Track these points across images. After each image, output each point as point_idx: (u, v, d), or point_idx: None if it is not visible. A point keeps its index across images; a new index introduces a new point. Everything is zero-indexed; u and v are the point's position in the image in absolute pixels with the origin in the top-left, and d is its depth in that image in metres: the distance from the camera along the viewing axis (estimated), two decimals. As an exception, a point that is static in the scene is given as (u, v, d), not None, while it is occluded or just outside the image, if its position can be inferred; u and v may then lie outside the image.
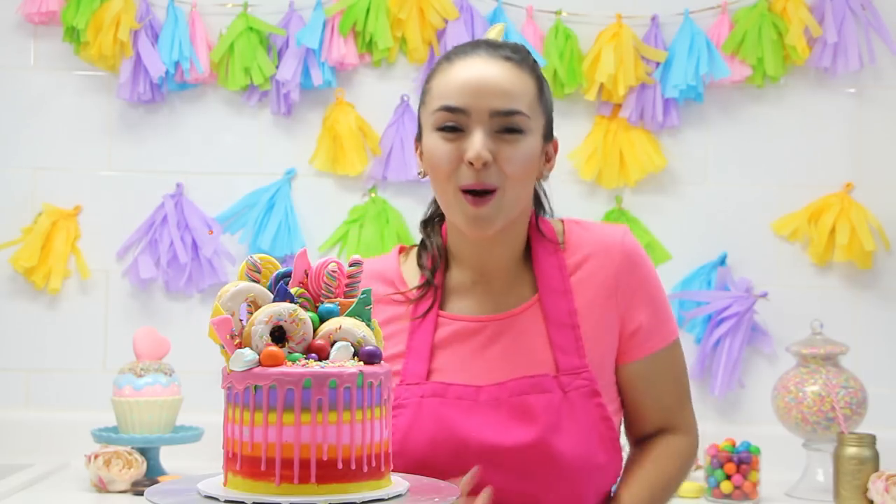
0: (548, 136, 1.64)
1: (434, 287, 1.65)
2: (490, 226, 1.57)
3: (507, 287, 1.64)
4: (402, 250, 1.73)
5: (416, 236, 2.61)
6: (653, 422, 1.70)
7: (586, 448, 1.56)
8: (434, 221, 1.71)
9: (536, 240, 1.66)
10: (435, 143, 1.57)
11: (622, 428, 1.70)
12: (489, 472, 1.52)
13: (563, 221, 1.70)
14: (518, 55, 1.60)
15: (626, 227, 1.69)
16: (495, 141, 1.55)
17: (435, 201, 1.69)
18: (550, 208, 1.71)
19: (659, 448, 1.69)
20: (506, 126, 1.55)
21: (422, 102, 1.63)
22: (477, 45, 1.61)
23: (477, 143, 1.53)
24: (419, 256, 1.69)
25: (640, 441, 1.71)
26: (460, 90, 1.55)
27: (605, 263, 1.64)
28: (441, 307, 1.64)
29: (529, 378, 1.57)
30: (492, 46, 1.60)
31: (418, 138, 1.64)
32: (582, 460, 1.55)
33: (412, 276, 1.68)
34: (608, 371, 1.63)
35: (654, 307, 1.66)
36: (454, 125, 1.55)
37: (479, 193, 1.55)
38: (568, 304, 1.61)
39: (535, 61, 1.62)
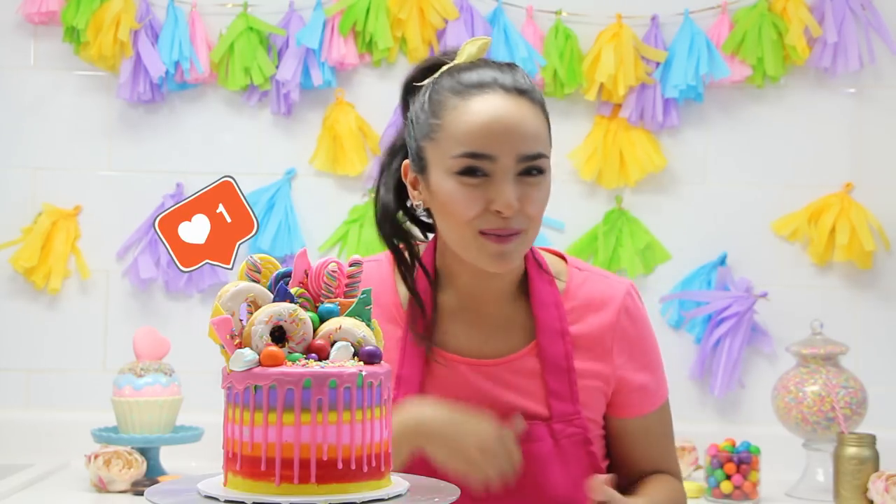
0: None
1: (425, 315, 1.58)
2: (512, 262, 1.53)
3: (502, 323, 1.61)
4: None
5: (416, 236, 2.62)
6: (645, 471, 1.68)
7: (573, 495, 1.55)
8: (398, 226, 1.62)
9: (533, 271, 1.62)
10: (454, 188, 1.49)
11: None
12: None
13: (565, 261, 1.66)
14: (527, 83, 1.53)
15: (630, 284, 1.66)
16: (520, 185, 1.49)
17: (377, 196, 1.60)
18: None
19: (656, 478, 1.67)
20: (530, 169, 1.50)
21: (427, 136, 1.53)
22: (484, 73, 1.52)
23: (509, 193, 1.47)
24: (403, 276, 1.60)
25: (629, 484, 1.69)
26: (485, 135, 1.47)
27: (604, 318, 1.61)
28: (433, 338, 1.59)
29: None
30: (503, 78, 1.52)
31: (418, 170, 1.56)
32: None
33: (405, 289, 1.62)
34: (597, 418, 1.62)
35: (650, 370, 1.65)
36: (477, 169, 1.48)
37: (503, 236, 1.50)
38: (566, 347, 1.59)
39: (534, 84, 1.55)
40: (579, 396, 1.58)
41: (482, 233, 1.49)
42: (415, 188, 1.57)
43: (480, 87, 1.51)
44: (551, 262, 1.66)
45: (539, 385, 1.58)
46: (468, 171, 1.48)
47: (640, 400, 1.65)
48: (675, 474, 1.71)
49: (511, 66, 1.55)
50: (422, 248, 1.65)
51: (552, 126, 1.59)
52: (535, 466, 1.54)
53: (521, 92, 1.51)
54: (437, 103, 1.53)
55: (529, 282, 1.62)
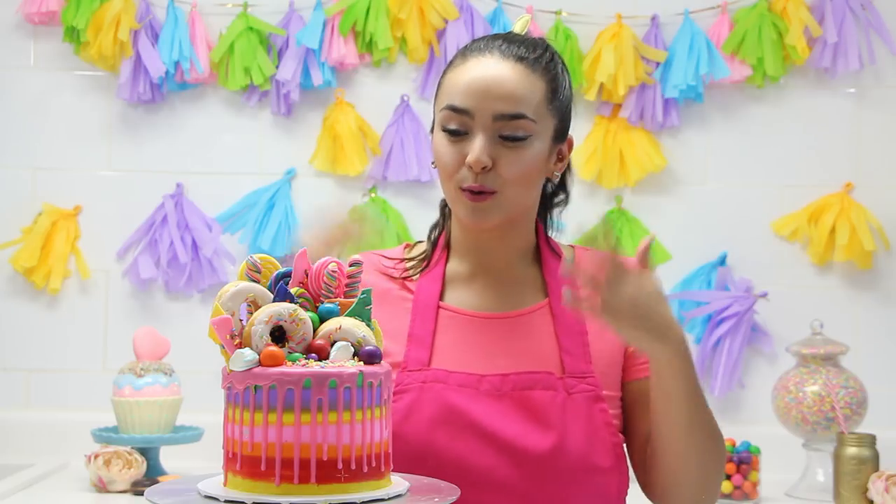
0: (559, 136, 1.62)
1: (436, 255, 1.65)
2: (488, 219, 1.56)
3: (512, 285, 1.64)
4: (407, 245, 1.73)
5: (417, 236, 2.62)
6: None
7: (588, 450, 1.54)
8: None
9: (546, 248, 1.66)
10: (440, 141, 1.57)
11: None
12: (484, 456, 1.51)
13: (573, 247, 1.70)
14: (533, 54, 1.58)
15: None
16: (497, 146, 1.54)
17: None
18: (553, 223, 1.71)
19: None
20: (509, 131, 1.54)
21: (435, 95, 1.63)
22: (494, 41, 1.60)
23: (477, 148, 1.52)
24: (430, 231, 1.69)
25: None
26: (466, 91, 1.54)
27: None
28: (441, 297, 1.63)
29: (533, 374, 1.56)
30: (508, 44, 1.59)
31: (432, 129, 1.64)
32: (583, 461, 1.54)
33: (414, 258, 1.68)
34: (613, 383, 1.62)
35: None
36: (457, 128, 1.55)
37: (477, 193, 1.54)
38: (578, 311, 1.60)
39: (551, 59, 1.60)
40: (591, 357, 1.59)
41: (461, 189, 1.55)
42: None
43: (480, 50, 1.59)
44: (559, 246, 1.69)
45: (552, 342, 1.59)
46: (451, 129, 1.55)
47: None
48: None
49: (530, 40, 1.61)
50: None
51: None
52: (549, 415, 1.53)
53: (518, 58, 1.57)
54: (448, 65, 1.62)
55: (541, 250, 1.65)
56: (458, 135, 1.55)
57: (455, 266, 1.65)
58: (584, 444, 1.54)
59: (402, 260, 1.67)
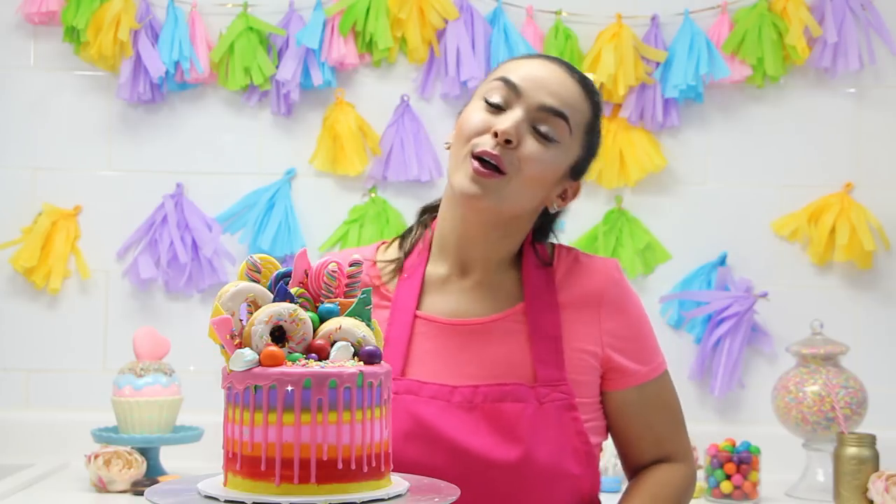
0: (575, 171, 1.63)
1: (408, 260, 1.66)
2: (484, 196, 1.55)
3: (488, 288, 1.63)
4: (382, 243, 1.73)
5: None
6: (646, 452, 1.68)
7: (559, 459, 1.55)
8: (431, 213, 1.72)
9: (528, 252, 1.66)
10: (476, 107, 1.59)
11: (616, 461, 1.69)
12: (456, 470, 1.51)
13: (553, 244, 1.70)
14: (589, 85, 1.63)
15: (616, 262, 1.69)
16: (528, 131, 1.56)
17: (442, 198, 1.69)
18: (554, 236, 1.72)
19: (654, 476, 1.67)
20: (546, 126, 1.56)
21: (482, 81, 1.66)
22: (561, 61, 1.64)
23: (510, 119, 1.55)
24: (402, 237, 1.70)
25: (637, 473, 1.70)
26: (525, 74, 1.58)
27: (591, 286, 1.63)
28: (418, 305, 1.63)
29: (504, 385, 1.56)
30: (572, 67, 1.63)
31: (461, 112, 1.64)
32: (554, 471, 1.55)
33: (387, 258, 1.69)
34: (587, 389, 1.62)
35: (640, 338, 1.65)
36: (500, 104, 1.57)
37: (487, 165, 1.54)
38: (553, 317, 1.60)
39: (600, 102, 1.65)
40: (565, 363, 1.59)
41: (472, 154, 1.55)
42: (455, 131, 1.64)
43: (547, 57, 1.64)
44: (542, 246, 1.69)
45: (524, 349, 1.59)
46: (493, 102, 1.57)
47: (633, 371, 1.64)
48: (680, 456, 1.69)
49: (587, 77, 1.65)
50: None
51: None
52: (519, 427, 1.54)
53: (579, 80, 1.62)
54: (511, 58, 1.67)
55: (523, 262, 1.65)
56: (496, 108, 1.57)
57: (434, 268, 1.65)
58: (554, 454, 1.56)
59: (375, 263, 1.68)
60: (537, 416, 1.55)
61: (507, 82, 1.57)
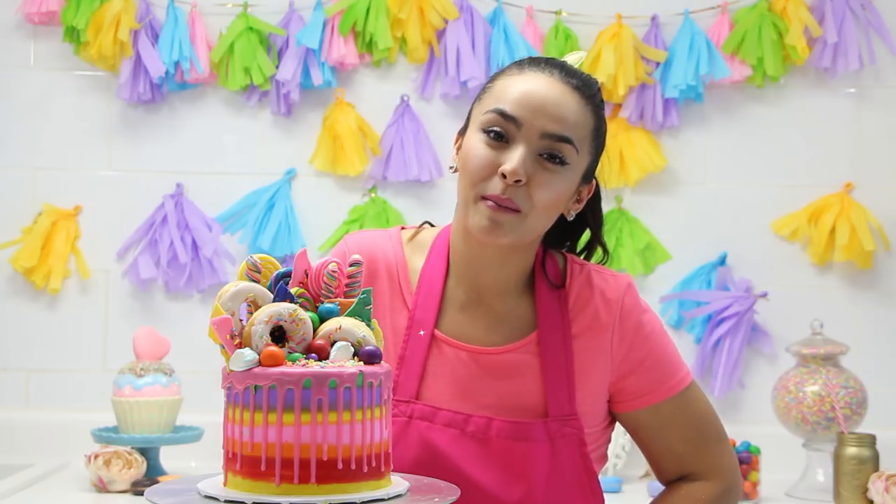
0: (587, 177, 1.62)
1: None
2: (502, 234, 1.52)
3: (504, 315, 1.61)
4: (403, 229, 1.69)
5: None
6: (668, 470, 1.67)
7: (562, 495, 1.56)
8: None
9: (540, 276, 1.63)
10: (476, 143, 1.53)
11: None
12: (461, 500, 1.50)
13: (566, 257, 1.67)
14: (589, 90, 1.57)
15: (630, 280, 1.66)
16: (535, 163, 1.51)
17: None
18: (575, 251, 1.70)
19: (673, 496, 1.65)
20: (551, 151, 1.52)
21: (478, 98, 1.59)
22: (553, 64, 1.58)
23: (516, 158, 1.49)
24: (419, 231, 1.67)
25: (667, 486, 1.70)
26: (520, 100, 1.52)
27: (603, 316, 1.61)
28: (437, 324, 1.60)
29: (518, 424, 1.55)
30: (567, 72, 1.57)
31: (461, 131, 1.61)
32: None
33: (417, 266, 1.64)
34: (594, 419, 1.62)
35: (654, 364, 1.63)
36: (501, 132, 1.52)
37: (500, 206, 1.51)
38: (566, 344, 1.59)
39: (601, 101, 1.60)
40: (577, 395, 1.58)
41: (483, 197, 1.52)
42: (457, 152, 1.60)
43: (539, 66, 1.57)
44: (554, 262, 1.66)
45: (537, 380, 1.58)
46: (494, 133, 1.52)
47: (647, 392, 1.62)
48: (707, 474, 1.65)
49: (586, 76, 1.59)
50: (433, 233, 1.67)
51: None
52: (529, 468, 1.54)
53: (576, 87, 1.56)
54: (499, 72, 1.60)
55: (536, 283, 1.62)
56: (499, 139, 1.52)
57: (453, 287, 1.62)
58: (562, 491, 1.56)
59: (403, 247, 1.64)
60: (548, 456, 1.55)
61: (503, 115, 1.52)
